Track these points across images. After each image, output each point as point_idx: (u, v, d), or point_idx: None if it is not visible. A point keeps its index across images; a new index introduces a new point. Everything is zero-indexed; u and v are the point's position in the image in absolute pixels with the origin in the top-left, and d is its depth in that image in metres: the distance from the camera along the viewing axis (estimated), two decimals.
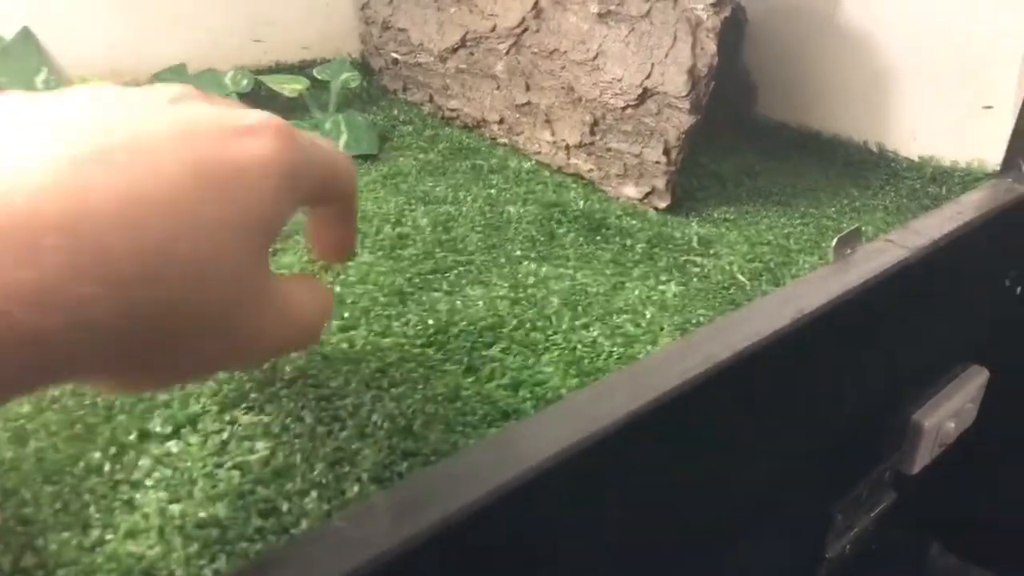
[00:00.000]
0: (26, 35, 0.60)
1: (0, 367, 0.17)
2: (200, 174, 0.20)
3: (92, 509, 0.30)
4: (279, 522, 0.30)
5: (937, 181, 0.65)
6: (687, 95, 0.55)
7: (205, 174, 0.20)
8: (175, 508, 0.30)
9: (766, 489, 0.46)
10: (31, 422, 0.34)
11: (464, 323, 0.44)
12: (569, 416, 0.31)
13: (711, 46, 0.55)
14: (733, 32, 0.69)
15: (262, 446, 0.33)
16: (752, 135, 0.75)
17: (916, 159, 0.68)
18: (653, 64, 0.57)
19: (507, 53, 0.65)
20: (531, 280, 0.49)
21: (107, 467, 0.32)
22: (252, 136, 0.22)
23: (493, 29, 0.66)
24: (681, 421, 0.35)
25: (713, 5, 0.55)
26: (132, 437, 0.33)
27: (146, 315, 0.19)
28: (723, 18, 0.55)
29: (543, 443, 0.29)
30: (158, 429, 0.34)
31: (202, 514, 0.30)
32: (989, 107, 0.63)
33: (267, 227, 0.23)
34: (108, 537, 0.29)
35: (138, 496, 0.31)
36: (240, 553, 0.29)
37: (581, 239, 0.54)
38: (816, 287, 0.41)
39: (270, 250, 0.24)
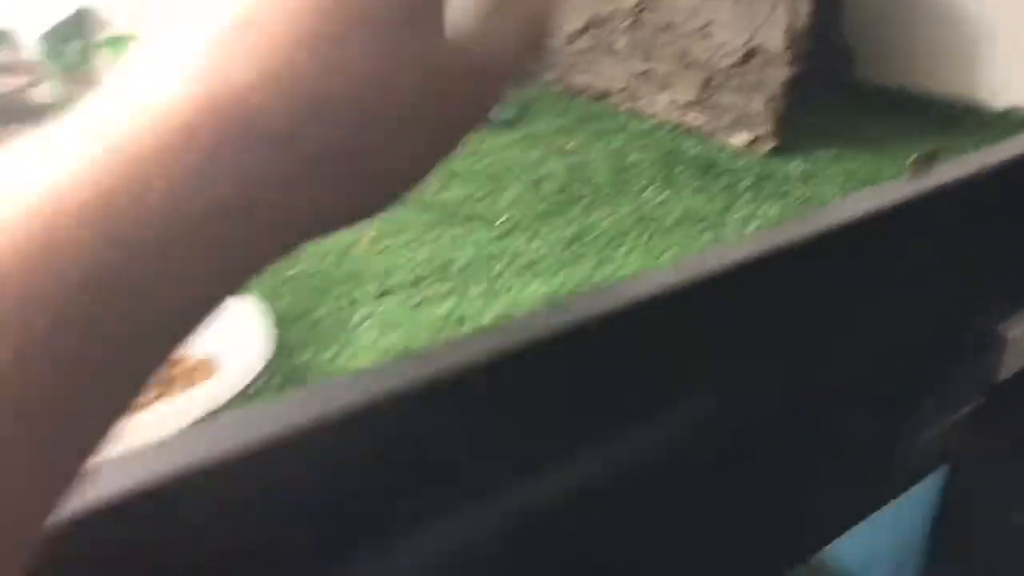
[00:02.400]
0: None
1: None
2: None
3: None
4: None
5: (1021, 127, 0.71)
6: (786, 50, 0.64)
7: None
8: (393, 336, 0.42)
9: (868, 366, 0.53)
10: (282, 285, 0.46)
11: (595, 233, 0.54)
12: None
13: (805, 7, 0.63)
14: (830, 1, 0.77)
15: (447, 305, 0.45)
16: (851, 95, 0.83)
17: (1001, 109, 0.74)
18: (756, 28, 0.66)
19: (627, 31, 0.75)
20: (651, 204, 0.58)
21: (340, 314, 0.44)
22: None
23: (614, 11, 0.76)
24: (769, 287, 0.43)
25: None
26: (356, 294, 0.45)
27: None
28: None
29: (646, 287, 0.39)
30: (370, 290, 0.46)
31: (409, 343, 0.42)
32: None
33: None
34: (346, 351, 0.41)
35: (363, 330, 0.43)
36: None
37: (696, 176, 0.64)
38: (892, 191, 0.49)
39: None
